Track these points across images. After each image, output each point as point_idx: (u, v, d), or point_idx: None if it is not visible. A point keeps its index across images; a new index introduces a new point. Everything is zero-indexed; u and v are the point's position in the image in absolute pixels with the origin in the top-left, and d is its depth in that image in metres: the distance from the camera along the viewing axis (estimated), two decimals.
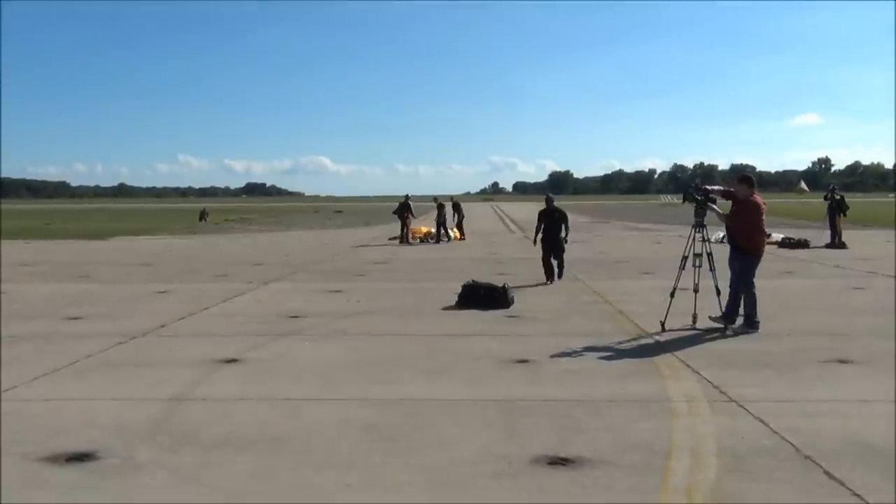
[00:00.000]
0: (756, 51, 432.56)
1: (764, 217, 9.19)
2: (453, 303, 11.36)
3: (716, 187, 9.47)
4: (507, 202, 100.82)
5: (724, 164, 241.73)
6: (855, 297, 12.25)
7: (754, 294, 9.03)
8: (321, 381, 6.88)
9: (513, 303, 11.20)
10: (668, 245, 23.84)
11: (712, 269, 9.01)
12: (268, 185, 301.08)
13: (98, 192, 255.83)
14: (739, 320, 9.08)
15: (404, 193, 28.19)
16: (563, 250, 14.57)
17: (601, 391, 6.41)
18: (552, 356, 7.76)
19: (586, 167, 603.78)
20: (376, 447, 5.04)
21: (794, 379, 6.84)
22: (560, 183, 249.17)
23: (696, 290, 9.21)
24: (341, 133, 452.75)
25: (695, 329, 9.09)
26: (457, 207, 29.05)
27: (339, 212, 69.33)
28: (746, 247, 9.05)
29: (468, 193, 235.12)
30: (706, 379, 6.78)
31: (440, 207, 27.70)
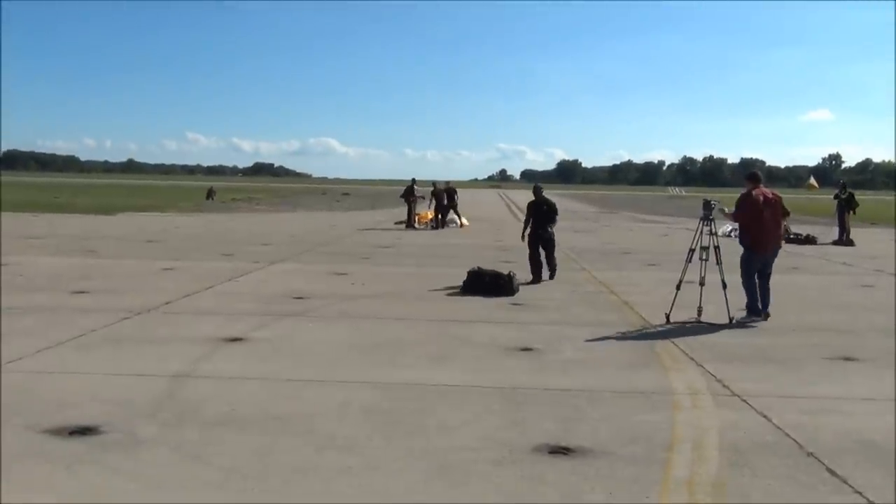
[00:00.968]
0: (769, 45, 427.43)
1: (765, 212, 9.22)
2: (458, 289, 11.36)
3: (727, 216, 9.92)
4: (515, 190, 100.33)
5: (733, 158, 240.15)
6: (862, 294, 12.20)
7: (753, 285, 9.28)
8: (324, 363, 6.89)
9: (518, 290, 11.19)
10: (675, 237, 23.77)
11: (719, 262, 9.00)
12: (276, 165, 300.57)
13: (107, 168, 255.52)
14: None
15: (411, 178, 28.11)
16: (553, 246, 12.91)
17: (604, 381, 6.41)
18: (556, 345, 7.76)
19: (595, 157, 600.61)
20: (378, 430, 5.05)
21: (799, 375, 6.83)
22: (568, 172, 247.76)
23: (702, 284, 9.19)
24: (350, 115, 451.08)
25: (699, 322, 9.07)
26: (450, 193, 27.33)
27: (347, 194, 69.28)
28: (744, 240, 9.41)
29: (476, 180, 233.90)
30: (710, 372, 6.77)
31: (438, 194, 26.88)
